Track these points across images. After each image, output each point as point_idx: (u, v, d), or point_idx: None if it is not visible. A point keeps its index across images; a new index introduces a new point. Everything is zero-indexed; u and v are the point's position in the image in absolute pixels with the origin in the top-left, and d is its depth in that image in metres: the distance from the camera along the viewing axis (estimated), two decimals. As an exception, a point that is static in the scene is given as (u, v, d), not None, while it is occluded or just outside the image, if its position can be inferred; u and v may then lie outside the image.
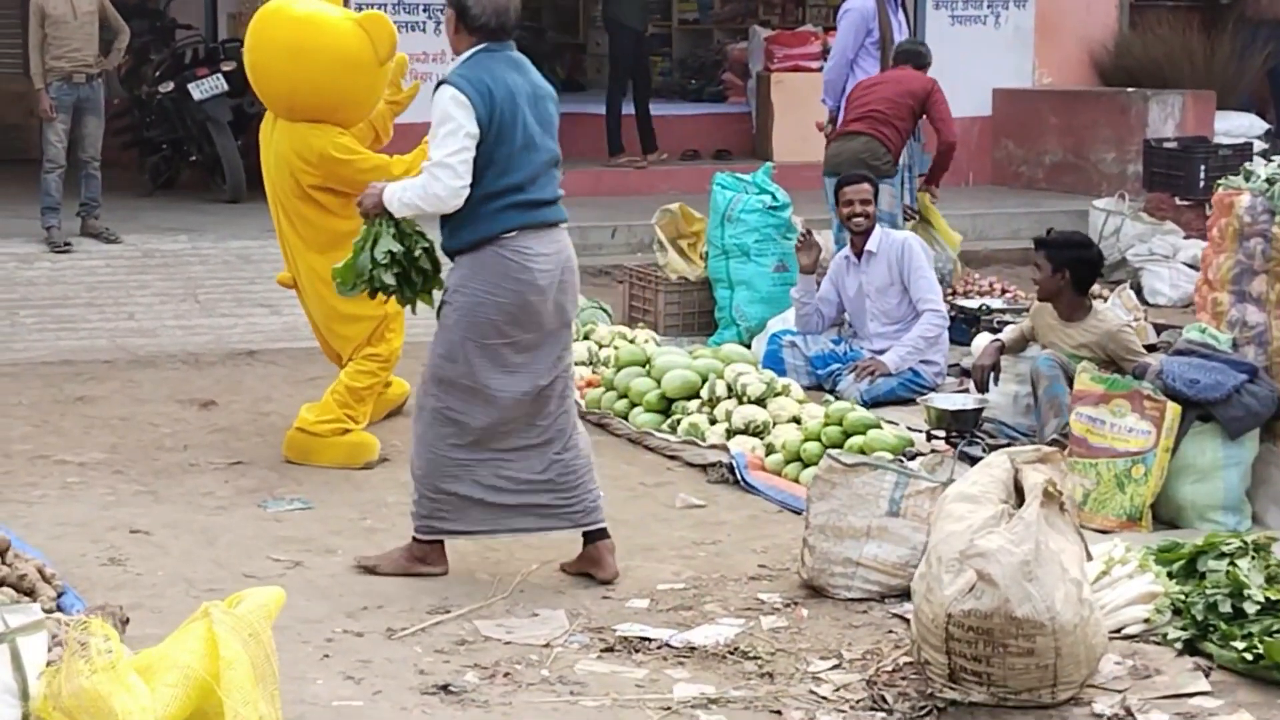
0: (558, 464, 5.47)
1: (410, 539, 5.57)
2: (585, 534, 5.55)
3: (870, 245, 7.99)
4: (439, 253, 5.53)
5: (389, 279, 5.48)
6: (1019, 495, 4.71)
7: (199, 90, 11.81)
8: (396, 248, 5.44)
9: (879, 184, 9.02)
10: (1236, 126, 13.16)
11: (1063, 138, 13.28)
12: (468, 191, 5.22)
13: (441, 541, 5.54)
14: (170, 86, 11.99)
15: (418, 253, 5.50)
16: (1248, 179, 5.97)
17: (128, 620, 4.53)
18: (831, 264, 8.27)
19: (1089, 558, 4.76)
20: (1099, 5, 13.96)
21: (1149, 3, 14.55)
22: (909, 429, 7.18)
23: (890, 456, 6.33)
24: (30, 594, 4.77)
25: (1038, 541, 4.41)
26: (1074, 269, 6.64)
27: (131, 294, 9.54)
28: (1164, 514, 5.97)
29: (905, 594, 5.10)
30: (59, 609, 4.78)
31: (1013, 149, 13.65)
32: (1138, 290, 10.80)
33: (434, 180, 5.24)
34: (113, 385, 8.16)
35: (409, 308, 5.74)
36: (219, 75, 11.85)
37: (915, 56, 9.49)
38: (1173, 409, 5.84)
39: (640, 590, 5.44)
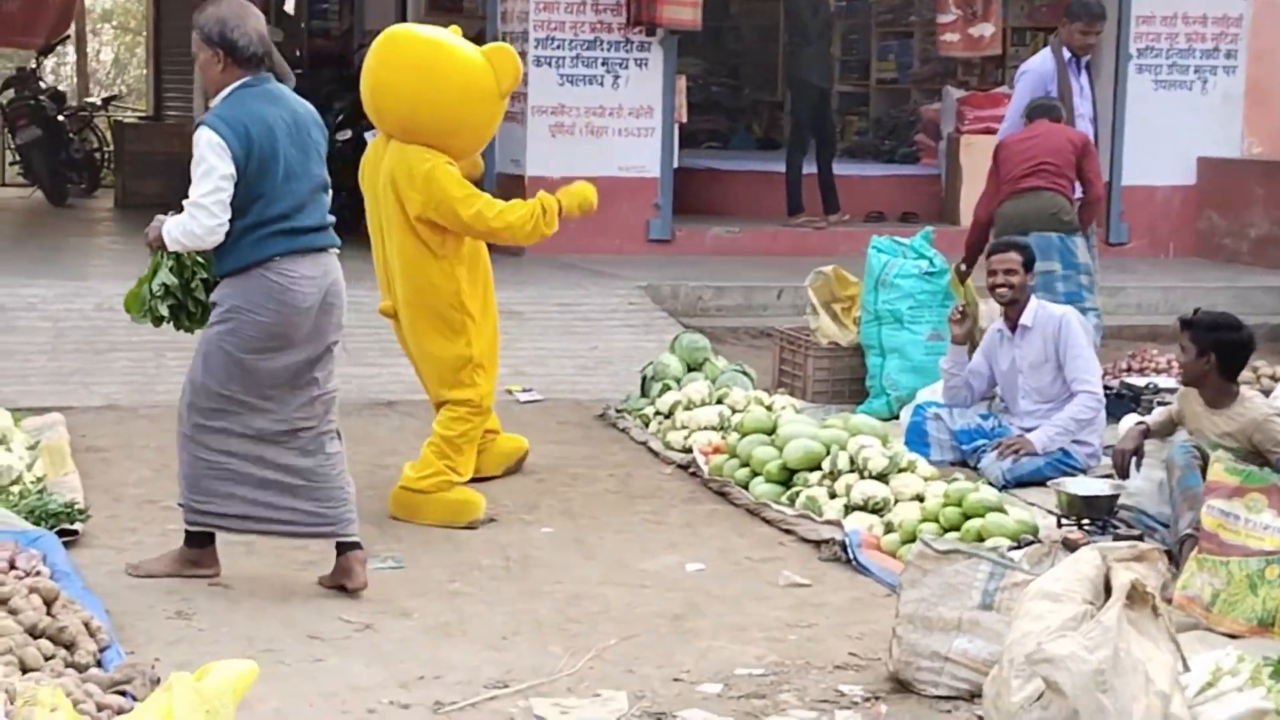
0: (313, 474, 5.78)
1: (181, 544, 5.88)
2: (338, 545, 5.84)
3: (1025, 319, 7.59)
4: None
5: (163, 310, 5.79)
6: (1108, 595, 4.34)
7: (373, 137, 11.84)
8: (171, 280, 5.71)
9: (1070, 240, 8.64)
10: None
11: (1270, 210, 12.64)
12: (225, 228, 5.53)
13: (213, 543, 5.88)
14: (348, 134, 12.08)
15: (195, 284, 5.74)
16: None
17: (158, 680, 4.40)
18: (985, 336, 7.89)
19: (1185, 668, 4.35)
20: (1316, 72, 13.31)
21: (1373, 70, 13.82)
22: (1047, 511, 6.80)
23: (1008, 543, 5.96)
24: (70, 647, 4.68)
25: (1116, 648, 4.04)
26: (1220, 352, 6.19)
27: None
28: (1301, 620, 5.49)
29: (997, 694, 4.75)
30: (98, 664, 4.69)
31: (1217, 220, 13.04)
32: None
33: (192, 219, 5.55)
34: (242, 431, 8.13)
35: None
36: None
37: (1051, 110, 9.04)
38: (1312, 507, 5.37)
39: (715, 673, 5.16)
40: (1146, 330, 11.07)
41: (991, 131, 12.98)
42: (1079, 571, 4.34)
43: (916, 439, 7.72)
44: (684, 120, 12.40)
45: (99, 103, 18.62)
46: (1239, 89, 13.11)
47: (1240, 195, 12.86)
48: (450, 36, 6.95)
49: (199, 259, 5.72)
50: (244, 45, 5.62)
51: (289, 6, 17.03)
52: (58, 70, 25.69)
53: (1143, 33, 12.88)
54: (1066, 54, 9.48)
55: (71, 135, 16.42)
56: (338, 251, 5.83)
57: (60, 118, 16.37)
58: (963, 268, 8.58)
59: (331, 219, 5.80)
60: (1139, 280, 11.84)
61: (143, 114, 19.19)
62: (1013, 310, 7.66)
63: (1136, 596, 4.15)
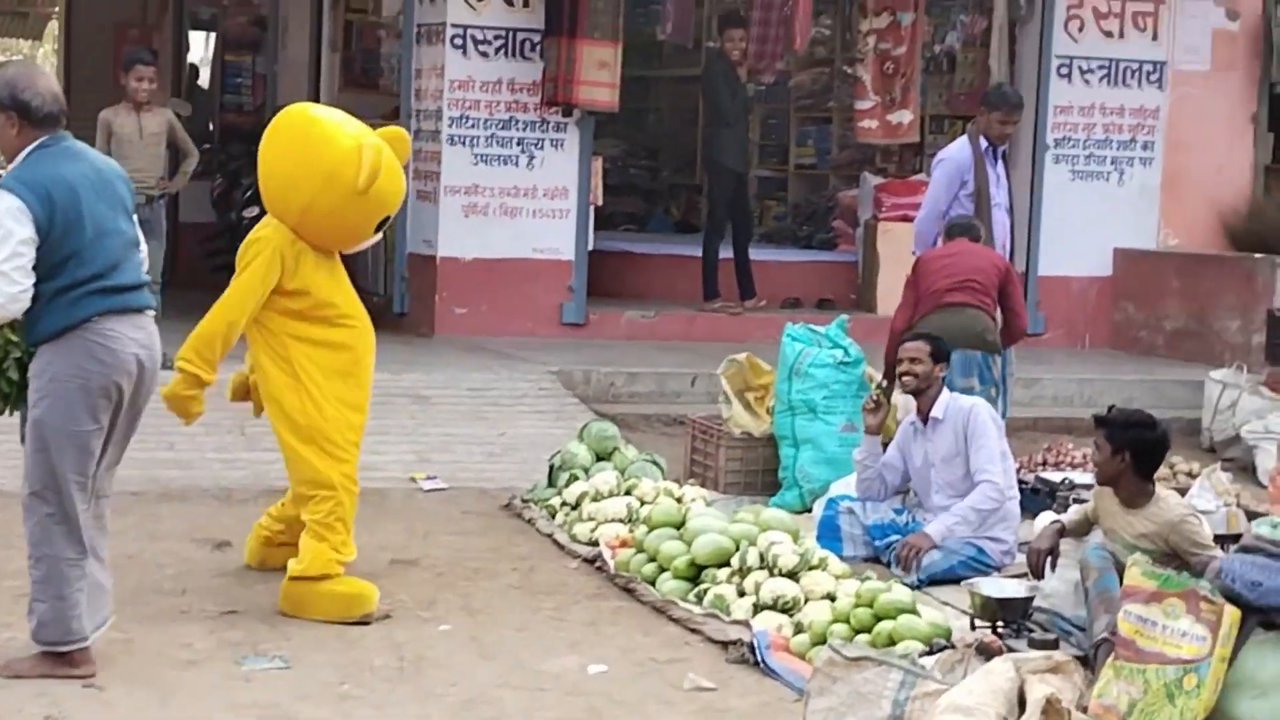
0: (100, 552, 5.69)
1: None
2: None
3: (936, 411, 7.44)
4: None
5: None
6: (1022, 709, 4.15)
7: (281, 216, 11.63)
8: None
9: (991, 357, 8.51)
10: (1372, 300, 12.41)
11: (1186, 303, 12.62)
12: (29, 294, 5.39)
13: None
14: (255, 211, 11.82)
15: (7, 364, 5.57)
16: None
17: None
18: (899, 429, 7.73)
19: (1102, 787, 4.16)
20: (1231, 166, 13.31)
21: (1286, 165, 13.91)
22: (961, 611, 6.62)
23: (920, 647, 5.76)
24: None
25: (1030, 769, 3.84)
26: (1135, 451, 6.04)
27: (176, 423, 9.21)
28: (1220, 732, 5.32)
29: (906, 810, 4.55)
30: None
31: (1133, 312, 13.00)
32: (1252, 471, 10.13)
33: None
34: (132, 519, 7.82)
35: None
36: (303, 202, 11.67)
37: (970, 229, 8.95)
38: (1231, 613, 5.21)
39: (614, 786, 4.93)
40: (1062, 423, 10.96)
41: (909, 219, 12.90)
42: (992, 684, 4.15)
43: (829, 534, 7.54)
44: (599, 203, 12.25)
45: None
46: (1155, 180, 13.11)
47: (1156, 287, 12.83)
48: (338, 119, 6.66)
49: (10, 336, 5.54)
50: (37, 105, 5.49)
51: (203, 80, 16.82)
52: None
53: (1060, 123, 12.88)
54: (984, 143, 9.42)
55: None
56: (154, 315, 5.76)
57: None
58: (884, 384, 8.30)
59: (147, 279, 5.74)
60: (1055, 372, 11.76)
61: None
62: (923, 402, 7.52)
63: (1051, 712, 3.96)
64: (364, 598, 6.49)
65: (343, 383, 6.64)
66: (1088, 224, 12.87)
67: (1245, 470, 10.07)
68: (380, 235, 6.94)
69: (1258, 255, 12.36)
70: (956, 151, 9.50)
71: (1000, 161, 9.58)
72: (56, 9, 19.05)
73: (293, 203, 6.50)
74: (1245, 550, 5.43)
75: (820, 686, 4.84)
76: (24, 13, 20.30)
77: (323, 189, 6.43)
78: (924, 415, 7.52)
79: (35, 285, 5.40)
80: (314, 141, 6.53)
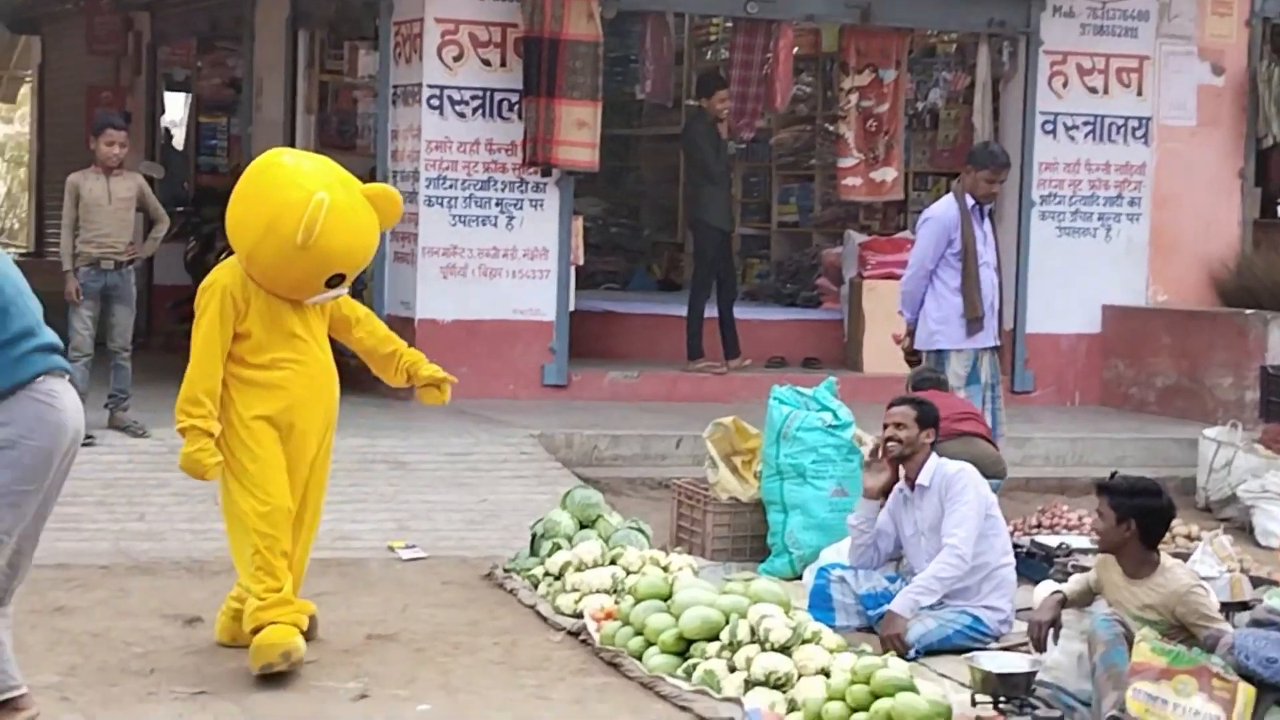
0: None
1: None
2: None
3: (922, 478, 7.21)
4: None
5: None
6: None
7: (256, 280, 11.42)
8: None
9: (997, 484, 8.31)
10: (1364, 354, 12.25)
11: (1177, 359, 12.45)
12: None
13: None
14: (229, 275, 11.64)
15: None
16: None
17: None
18: (890, 497, 7.50)
19: None
20: (1219, 222, 13.18)
21: (1274, 220, 13.76)
22: (960, 684, 6.39)
23: (919, 727, 5.53)
24: None
25: None
26: (1140, 519, 5.85)
27: (148, 492, 9.02)
28: (1236, 814, 5.09)
29: None
30: None
31: (1123, 369, 12.83)
32: (1249, 531, 9.93)
33: None
34: (100, 594, 7.58)
35: None
36: (279, 266, 11.47)
37: (937, 382, 8.87)
38: (1246, 691, 5.01)
39: None
40: (1055, 483, 10.76)
41: (895, 276, 12.73)
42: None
43: (820, 603, 7.31)
44: (580, 263, 12.07)
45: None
46: (1143, 236, 12.98)
47: (1146, 344, 12.67)
48: (306, 168, 6.50)
49: None
50: None
51: (177, 142, 16.63)
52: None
53: (1046, 179, 12.74)
54: (970, 201, 9.26)
55: (-54, 270, 15.81)
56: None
57: (-66, 252, 15.78)
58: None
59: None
60: (1045, 431, 11.56)
61: (23, 250, 18.64)
62: (909, 468, 7.28)
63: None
64: (267, 648, 6.32)
65: (273, 426, 6.55)
66: (1075, 280, 12.72)
67: (1242, 530, 9.89)
68: (341, 291, 6.73)
69: (1249, 311, 12.20)
70: (942, 210, 9.33)
71: (987, 220, 9.42)
72: (29, 72, 18.87)
73: (240, 245, 6.50)
74: (1257, 624, 5.23)
75: (818, 773, 4.60)
76: (-3, 75, 20.16)
77: (264, 236, 6.35)
78: (910, 482, 7.30)
79: None
80: (264, 187, 6.46)
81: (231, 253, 11.70)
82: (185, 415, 6.44)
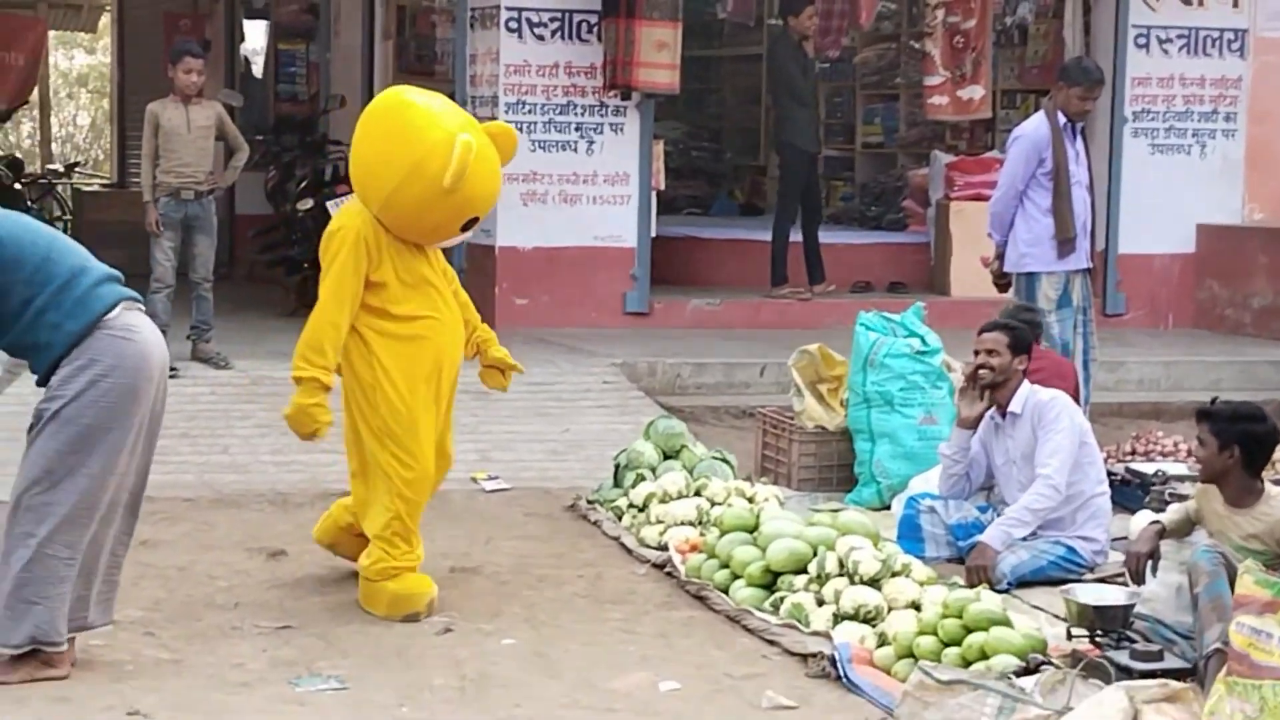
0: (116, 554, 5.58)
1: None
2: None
3: (1014, 406, 7.03)
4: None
5: None
6: (1138, 744, 3.79)
7: (337, 208, 11.36)
8: None
9: None
10: None
11: (1274, 279, 12.14)
12: None
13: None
14: (310, 204, 11.60)
15: None
16: None
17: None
18: (981, 425, 7.33)
19: (1227, 827, 3.80)
20: (1317, 135, 12.85)
21: (1375, 133, 13.37)
22: (1054, 617, 6.25)
23: (1015, 662, 5.39)
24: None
25: (1152, 815, 3.49)
26: (1245, 446, 5.65)
27: (231, 424, 9.00)
28: (1343, 752, 4.93)
29: (1007, 845, 4.20)
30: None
31: (1218, 290, 12.53)
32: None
33: None
34: (185, 528, 7.57)
35: None
36: (359, 193, 11.40)
37: (1032, 322, 8.07)
38: (1355, 626, 4.82)
39: (691, 819, 4.59)
40: (1149, 407, 10.56)
41: (982, 198, 12.50)
42: (1105, 716, 3.79)
43: (909, 533, 7.17)
44: (661, 187, 11.90)
45: (61, 169, 18.10)
46: (1239, 153, 12.64)
47: (1242, 264, 12.37)
48: (436, 106, 6.29)
49: None
50: None
51: (256, 70, 16.57)
52: (21, 136, 25.21)
53: (1138, 95, 12.42)
54: (1062, 119, 9.00)
55: (31, 203, 15.90)
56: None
57: (18, 185, 15.85)
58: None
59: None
60: (1139, 354, 11.33)
61: (106, 181, 18.69)
62: (1001, 395, 7.09)
63: (1172, 749, 3.60)
64: (412, 597, 6.25)
65: (424, 385, 6.36)
66: (1169, 199, 12.42)
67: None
68: (471, 234, 6.62)
69: (1349, 229, 11.89)
70: (1033, 129, 9.08)
71: (1079, 138, 9.16)
72: (109, 2, 18.86)
73: (376, 189, 6.21)
74: (1368, 555, 5.03)
75: (911, 712, 4.49)
76: (77, 5, 20.14)
77: (407, 179, 6.11)
78: (1002, 410, 7.13)
79: (23, 309, 5.24)
80: (404, 128, 6.20)
81: (311, 194, 11.69)
82: (306, 364, 6.18)
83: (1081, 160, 9.12)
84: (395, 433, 6.30)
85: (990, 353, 7.03)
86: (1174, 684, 3.94)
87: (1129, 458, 8.83)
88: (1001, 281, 9.25)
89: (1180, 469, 8.29)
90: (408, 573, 6.34)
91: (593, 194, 11.52)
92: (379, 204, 6.21)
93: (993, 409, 7.15)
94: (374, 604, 6.32)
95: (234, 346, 10.05)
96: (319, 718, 5.29)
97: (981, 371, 7.06)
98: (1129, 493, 8.18)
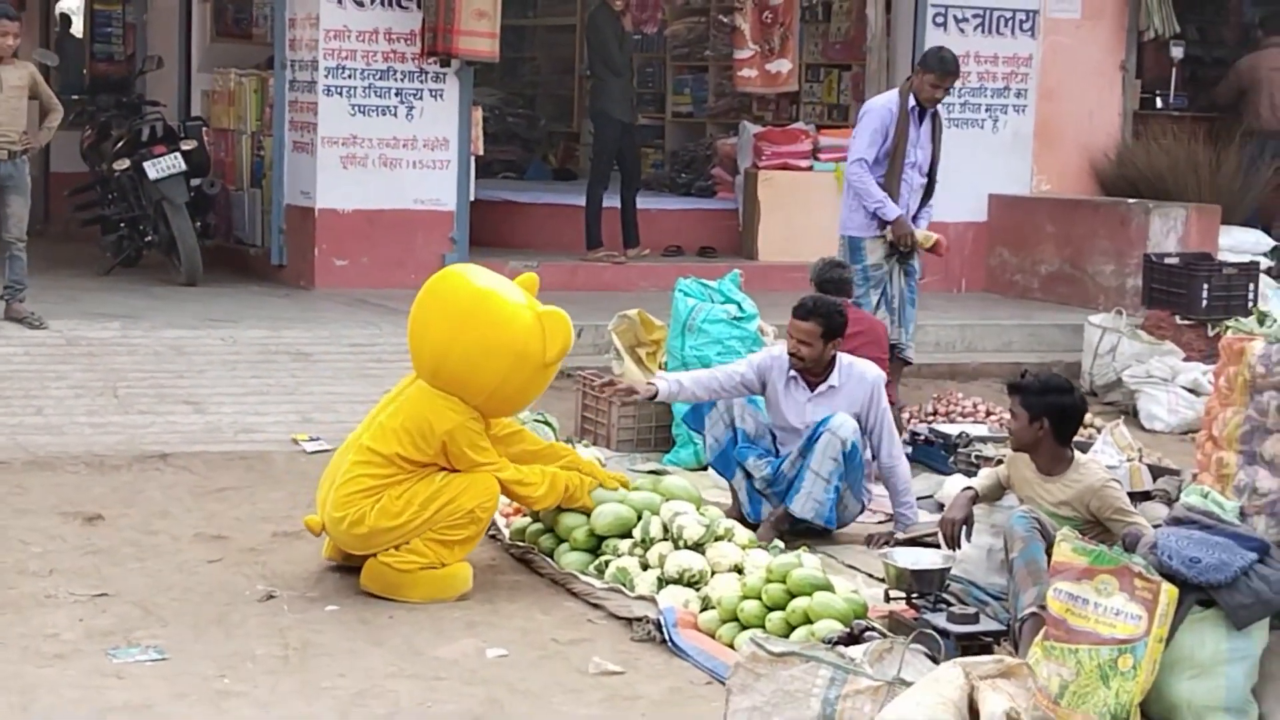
0: None
1: None
2: None
3: (832, 380, 6.80)
4: None
5: None
6: (974, 718, 3.59)
7: (155, 169, 10.81)
8: None
9: None
10: (1242, 243, 12.03)
11: (1060, 247, 12.18)
12: None
13: None
14: (126, 164, 11.01)
15: None
16: (1262, 322, 4.85)
17: None
18: (770, 365, 6.89)
19: (1060, 799, 3.63)
20: (1101, 113, 12.88)
21: (1153, 112, 13.47)
22: (869, 576, 6.10)
23: (838, 628, 5.21)
24: None
25: (993, 793, 3.29)
26: (1053, 417, 5.52)
27: (46, 385, 8.46)
28: (1155, 713, 4.82)
29: (838, 814, 3.99)
30: None
31: (1008, 256, 12.55)
32: (1134, 415, 9.72)
33: None
34: (-3, 492, 7.08)
35: None
36: (176, 154, 10.86)
37: (842, 279, 7.92)
38: (1168, 591, 4.71)
39: (521, 796, 4.32)
40: (945, 368, 10.47)
41: (789, 168, 12.41)
42: (941, 694, 3.60)
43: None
44: (480, 153, 11.52)
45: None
46: (1029, 127, 12.64)
47: (1031, 232, 12.39)
48: (508, 289, 6.10)
49: None
50: None
51: (76, 29, 15.77)
52: None
53: (935, 71, 12.33)
54: (911, 101, 8.78)
55: None
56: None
57: None
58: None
59: None
60: (935, 318, 11.24)
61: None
62: (812, 376, 6.85)
63: (1011, 726, 3.41)
64: (461, 578, 5.94)
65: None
66: (963, 171, 12.29)
67: (1126, 414, 9.64)
68: None
69: (1131, 200, 11.96)
70: (882, 104, 8.82)
71: (926, 122, 8.89)
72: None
73: (483, 383, 5.96)
74: (1177, 522, 4.93)
75: (743, 683, 4.26)
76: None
77: (514, 367, 5.96)
78: (812, 384, 6.88)
79: None
80: (492, 319, 5.99)
81: (128, 155, 11.02)
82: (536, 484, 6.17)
83: (924, 144, 8.88)
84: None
85: (802, 343, 6.77)
86: (1009, 659, 3.77)
87: (931, 418, 8.74)
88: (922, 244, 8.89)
89: (982, 430, 8.21)
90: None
91: (413, 158, 11.10)
92: (487, 393, 5.99)
93: (796, 377, 6.90)
94: (408, 591, 5.87)
95: (49, 306, 9.47)
96: (138, 691, 4.91)
97: (794, 359, 6.80)
98: (933, 453, 8.08)
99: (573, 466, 6.36)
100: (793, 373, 6.88)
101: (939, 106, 8.94)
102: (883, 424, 6.78)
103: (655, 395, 6.88)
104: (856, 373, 6.82)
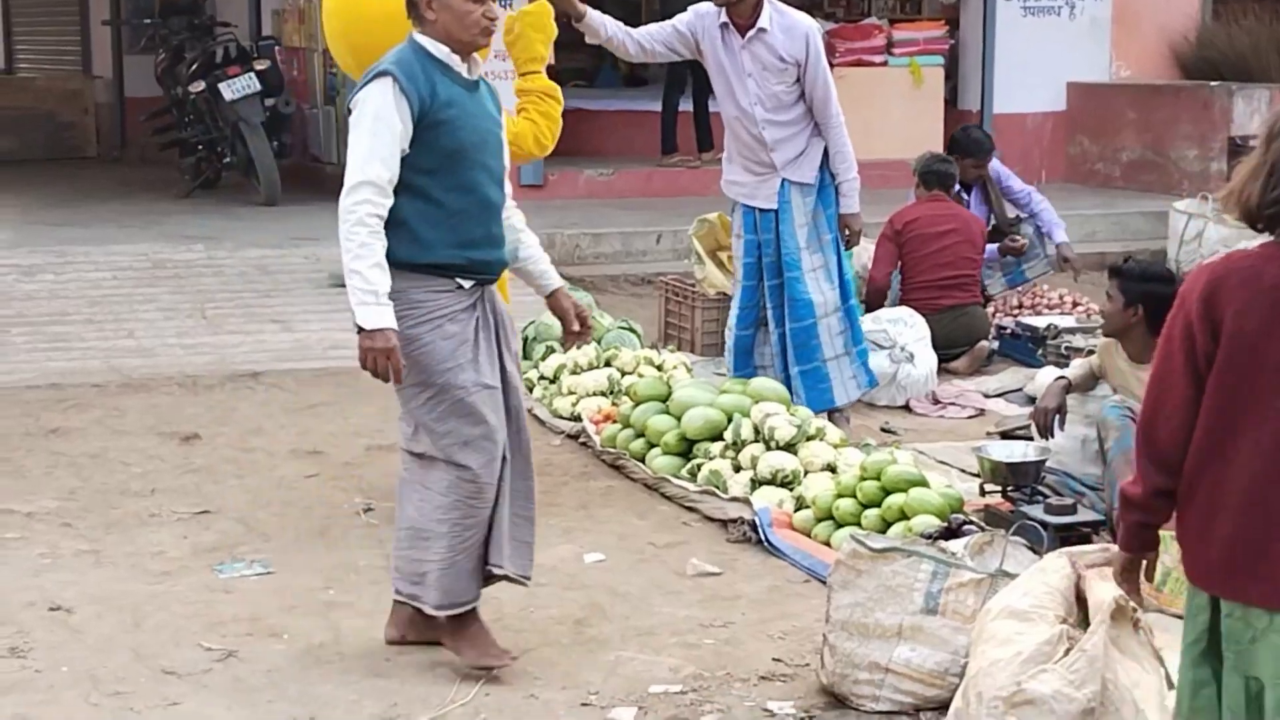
0: None
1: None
2: None
3: (762, 22, 6.46)
4: None
5: None
6: (1081, 607, 3.59)
7: (230, 90, 10.85)
8: None
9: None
10: (1327, 122, 11.80)
11: (1141, 134, 12.00)
12: None
13: None
14: (201, 86, 11.04)
15: None
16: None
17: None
18: (697, 21, 6.58)
19: (1170, 685, 3.61)
20: (1180, -5, 12.67)
21: (1233, -9, 13.22)
22: (962, 471, 6.08)
23: (936, 523, 5.20)
24: None
25: (1104, 680, 3.29)
26: (1149, 305, 5.45)
27: (135, 309, 8.56)
28: (1259, 598, 4.78)
29: (943, 706, 4.00)
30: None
31: (1088, 145, 12.38)
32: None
33: None
34: (94, 414, 7.17)
35: None
36: (251, 74, 10.88)
37: (948, 179, 8.09)
38: (1271, 475, 4.65)
39: (627, 694, 4.35)
40: (1030, 262, 10.36)
41: (864, 64, 12.24)
42: (1047, 583, 3.58)
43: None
44: (551, 61, 11.43)
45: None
46: (1106, 13, 12.43)
47: (1111, 120, 12.21)
48: None
49: None
50: None
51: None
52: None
53: (1010, -41, 12.14)
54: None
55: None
56: None
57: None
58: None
59: None
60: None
61: (-3, 69, 17.84)
62: (738, 20, 6.48)
63: (1120, 617, 3.40)
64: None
65: None
66: (1040, 60, 12.21)
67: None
68: None
69: (1213, 83, 11.74)
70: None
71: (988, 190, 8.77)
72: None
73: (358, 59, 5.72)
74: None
75: (844, 580, 4.26)
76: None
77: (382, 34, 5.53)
78: (742, 29, 6.51)
79: None
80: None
81: (203, 77, 11.01)
82: None
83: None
84: None
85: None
86: (1114, 547, 3.75)
87: (1018, 311, 8.66)
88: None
89: (1069, 321, 8.14)
90: None
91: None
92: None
93: (728, 24, 6.55)
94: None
95: (130, 229, 9.58)
96: (243, 605, 4.98)
97: None
98: (1021, 346, 8.03)
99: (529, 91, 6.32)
100: (723, 19, 6.56)
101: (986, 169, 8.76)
102: (819, 76, 6.51)
103: (583, 16, 6.54)
104: (789, 21, 6.52)
